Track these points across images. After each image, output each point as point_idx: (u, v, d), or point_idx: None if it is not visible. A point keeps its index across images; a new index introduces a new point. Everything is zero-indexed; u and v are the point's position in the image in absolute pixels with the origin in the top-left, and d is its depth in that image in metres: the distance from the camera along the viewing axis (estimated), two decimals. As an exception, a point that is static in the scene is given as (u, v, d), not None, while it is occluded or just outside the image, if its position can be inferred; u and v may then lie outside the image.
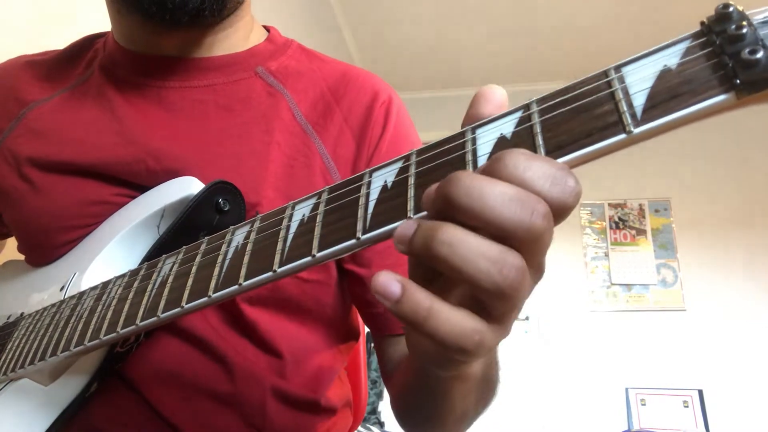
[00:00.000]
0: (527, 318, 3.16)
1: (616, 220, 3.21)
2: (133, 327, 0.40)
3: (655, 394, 2.86)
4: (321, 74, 0.62)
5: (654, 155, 3.25)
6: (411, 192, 0.29)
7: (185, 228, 0.49)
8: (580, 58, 3.24)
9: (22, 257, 0.65)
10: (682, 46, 0.24)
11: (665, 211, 3.17)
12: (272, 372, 0.55)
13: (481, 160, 0.28)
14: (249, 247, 0.35)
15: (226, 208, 0.49)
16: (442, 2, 2.86)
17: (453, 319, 0.24)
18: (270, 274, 0.33)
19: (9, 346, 0.53)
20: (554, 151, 0.26)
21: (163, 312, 0.38)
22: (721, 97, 0.23)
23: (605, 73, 0.26)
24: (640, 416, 2.82)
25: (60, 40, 0.70)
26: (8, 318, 0.58)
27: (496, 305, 0.25)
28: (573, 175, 0.25)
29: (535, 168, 0.24)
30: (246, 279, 0.34)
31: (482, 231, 0.24)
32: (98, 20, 0.73)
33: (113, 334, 0.41)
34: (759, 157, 3.16)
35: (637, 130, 0.24)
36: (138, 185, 0.55)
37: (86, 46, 0.67)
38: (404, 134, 0.61)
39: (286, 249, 0.33)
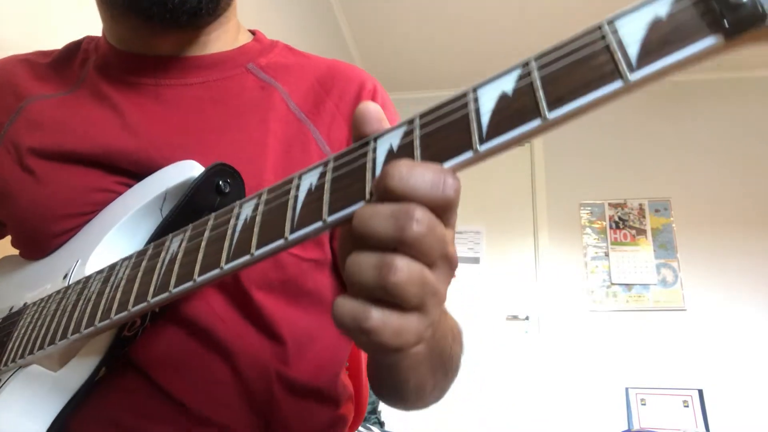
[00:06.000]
0: (527, 318, 3.16)
1: (616, 220, 3.21)
2: (144, 304, 0.40)
3: (655, 393, 2.86)
4: (309, 68, 0.64)
5: (654, 155, 3.25)
6: (418, 153, 0.30)
7: (188, 210, 0.49)
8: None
9: (15, 252, 0.65)
10: None
11: (665, 211, 3.17)
12: (276, 359, 0.55)
13: (484, 119, 0.29)
14: (258, 218, 0.35)
15: (226, 190, 0.50)
16: (442, 3, 2.86)
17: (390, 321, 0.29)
18: (281, 241, 0.33)
19: (15, 335, 0.53)
20: (555, 102, 0.27)
21: (174, 287, 0.38)
22: (711, 40, 0.24)
23: (599, 28, 0.27)
24: (640, 416, 2.82)
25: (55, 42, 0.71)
26: (11, 309, 0.59)
27: (400, 302, 0.29)
28: (450, 173, 0.29)
29: (416, 175, 0.28)
30: (258, 248, 0.34)
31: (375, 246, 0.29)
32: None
33: (124, 313, 0.41)
34: (759, 157, 3.16)
35: (633, 77, 0.25)
36: (139, 174, 0.55)
37: (74, 50, 0.68)
38: (391, 116, 0.63)
39: (296, 216, 0.33)
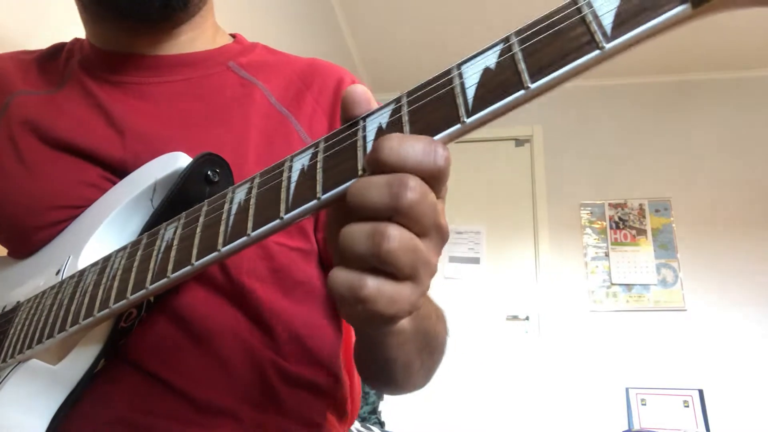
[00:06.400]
0: (527, 318, 3.16)
1: (616, 220, 3.21)
2: (143, 291, 0.40)
3: (656, 394, 2.86)
4: (288, 65, 0.66)
5: (654, 155, 3.25)
6: (407, 128, 0.32)
7: (179, 201, 0.50)
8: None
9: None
10: None
11: (665, 211, 3.17)
12: (270, 349, 0.56)
13: (470, 92, 0.30)
14: (252, 201, 0.36)
15: (215, 179, 0.51)
16: (442, 3, 2.86)
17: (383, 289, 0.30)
18: (278, 221, 0.34)
19: (12, 332, 0.53)
20: (537, 73, 0.29)
21: (172, 272, 0.38)
22: (679, 8, 0.25)
23: (574, 1, 0.29)
24: (640, 416, 2.82)
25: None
26: (3, 309, 0.59)
27: (394, 270, 0.30)
28: (440, 144, 0.30)
29: (407, 146, 0.29)
30: (254, 229, 0.35)
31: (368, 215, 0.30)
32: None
33: (123, 302, 0.41)
34: (759, 157, 3.16)
35: (609, 45, 0.27)
36: (126, 171, 0.56)
37: (59, 49, 0.69)
38: None
39: (290, 197, 0.34)
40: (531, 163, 3.43)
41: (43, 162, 0.58)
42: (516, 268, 3.26)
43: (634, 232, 3.17)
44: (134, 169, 0.55)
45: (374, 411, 2.77)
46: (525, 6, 2.86)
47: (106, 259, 0.47)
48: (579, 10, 0.28)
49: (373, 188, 0.29)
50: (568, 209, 3.27)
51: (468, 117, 0.30)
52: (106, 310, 0.43)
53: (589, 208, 3.26)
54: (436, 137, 0.30)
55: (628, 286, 3.08)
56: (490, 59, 0.30)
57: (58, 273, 0.53)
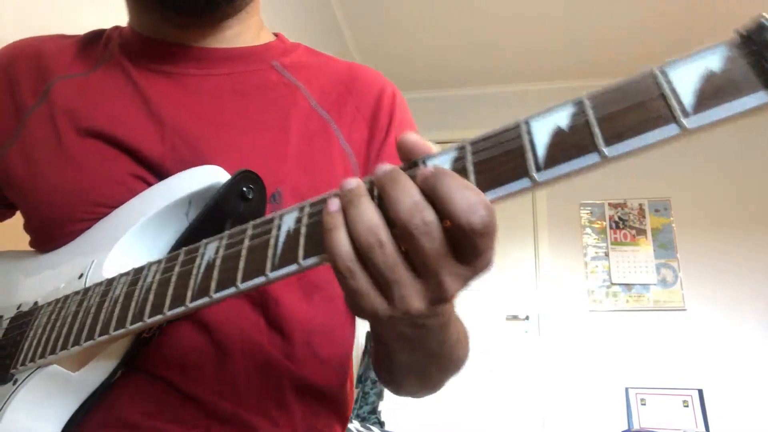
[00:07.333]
0: (527, 318, 3.16)
1: (616, 219, 3.21)
2: (182, 308, 0.40)
3: (655, 393, 2.86)
4: (330, 69, 0.66)
5: (654, 155, 3.24)
6: (472, 177, 0.32)
7: (213, 216, 0.50)
8: (578, 57, 3.25)
9: (13, 246, 0.64)
10: (722, 52, 0.27)
11: (665, 211, 3.17)
12: (286, 359, 0.55)
13: (539, 150, 0.30)
14: (303, 230, 0.37)
15: (250, 196, 0.51)
16: (442, 3, 2.86)
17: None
18: (324, 255, 0.35)
19: (31, 334, 0.52)
20: (611, 139, 0.28)
21: (216, 291, 0.39)
22: (764, 96, 0.25)
23: (652, 74, 0.28)
24: (640, 416, 2.83)
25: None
26: (19, 308, 0.58)
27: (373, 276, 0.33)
28: (488, 207, 0.30)
29: (461, 191, 0.30)
30: (305, 257, 0.36)
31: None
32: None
33: (159, 316, 0.41)
34: (759, 157, 3.16)
35: (690, 125, 0.26)
36: (160, 168, 0.55)
37: (98, 34, 0.68)
38: (408, 123, 0.66)
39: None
40: (531, 163, 3.43)
41: (78, 153, 0.57)
42: (516, 267, 3.26)
43: (633, 231, 3.17)
44: (172, 164, 0.54)
45: (374, 411, 2.76)
46: (525, 7, 2.87)
47: (138, 271, 0.46)
48: (657, 83, 0.27)
49: (405, 196, 0.31)
50: (567, 209, 3.27)
51: (538, 173, 0.29)
52: (140, 323, 0.42)
53: (589, 208, 3.26)
54: (502, 189, 0.31)
55: (628, 286, 3.08)
56: (562, 119, 0.30)
57: (80, 277, 0.53)
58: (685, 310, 3.00)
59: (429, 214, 0.31)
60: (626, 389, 2.90)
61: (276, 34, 0.70)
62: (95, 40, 0.67)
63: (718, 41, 0.27)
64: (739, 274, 2.99)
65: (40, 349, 0.50)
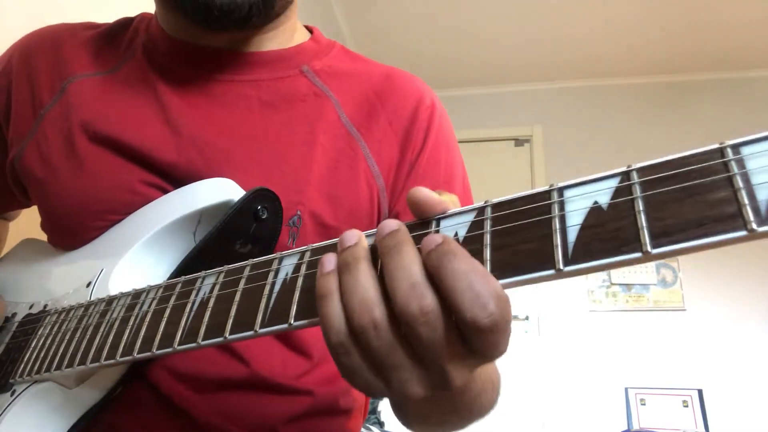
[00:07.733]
0: (527, 318, 3.16)
1: (616, 220, 3.21)
2: (169, 349, 0.38)
3: (655, 393, 2.86)
4: (365, 76, 0.62)
5: (654, 155, 3.23)
6: (487, 252, 0.27)
7: (222, 235, 0.48)
8: (578, 57, 3.25)
9: (31, 235, 0.64)
10: None
11: (665, 211, 3.17)
12: (294, 371, 0.54)
13: (571, 231, 0.25)
14: (299, 282, 0.33)
15: (263, 216, 0.48)
16: (442, 3, 2.86)
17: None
18: (316, 319, 0.31)
19: (33, 345, 0.52)
20: (660, 236, 0.23)
21: (203, 339, 0.36)
22: None
23: (721, 152, 0.22)
24: (639, 416, 2.83)
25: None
26: (30, 307, 0.58)
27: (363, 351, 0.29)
28: (500, 298, 0.25)
29: (468, 278, 0.25)
30: (296, 319, 0.32)
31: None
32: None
33: (147, 354, 0.40)
34: (759, 157, 3.16)
35: (761, 229, 0.20)
36: (174, 177, 0.53)
37: (125, 26, 0.66)
38: (445, 140, 0.61)
39: None
40: (531, 163, 3.42)
41: (89, 159, 0.55)
42: (516, 267, 3.25)
43: (633, 232, 3.17)
44: (185, 175, 0.52)
45: (374, 411, 2.76)
46: (525, 7, 2.86)
47: (137, 295, 0.45)
48: (726, 166, 0.22)
49: (404, 275, 0.27)
50: (567, 209, 3.27)
51: (566, 266, 0.24)
52: (129, 357, 0.41)
53: (589, 208, 3.26)
54: (520, 276, 0.26)
55: (628, 286, 3.08)
56: (602, 196, 0.25)
57: (88, 286, 0.52)
58: (684, 310, 3.00)
59: (428, 302, 0.26)
60: (626, 389, 2.90)
61: (311, 30, 0.66)
62: (121, 33, 0.64)
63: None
64: (739, 274, 2.98)
65: (37, 365, 0.49)
